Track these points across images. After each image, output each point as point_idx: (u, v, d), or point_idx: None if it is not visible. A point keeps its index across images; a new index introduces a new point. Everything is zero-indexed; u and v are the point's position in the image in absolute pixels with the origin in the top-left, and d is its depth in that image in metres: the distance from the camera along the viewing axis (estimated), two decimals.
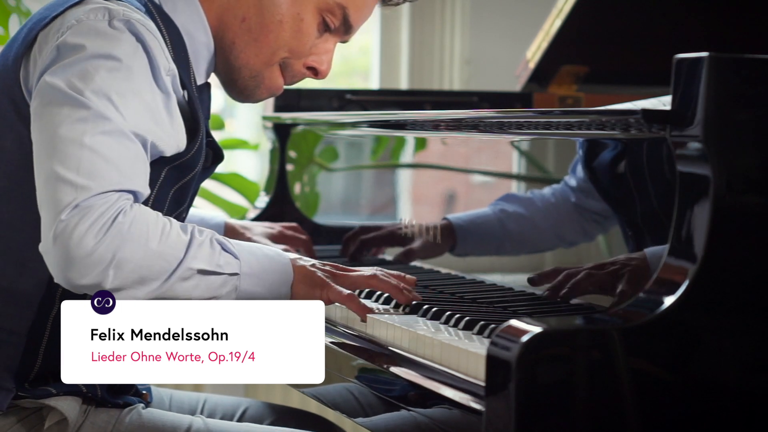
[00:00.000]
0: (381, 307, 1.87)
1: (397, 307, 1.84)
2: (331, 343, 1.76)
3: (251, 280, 1.69)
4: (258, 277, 1.70)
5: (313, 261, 1.80)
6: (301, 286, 1.75)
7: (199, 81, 1.80)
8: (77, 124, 1.60)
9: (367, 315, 1.77)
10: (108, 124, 1.61)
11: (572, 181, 1.77)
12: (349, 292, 1.78)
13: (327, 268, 1.80)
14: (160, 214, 1.65)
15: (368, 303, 1.88)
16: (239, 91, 1.84)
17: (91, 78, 1.62)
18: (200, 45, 1.78)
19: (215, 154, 1.86)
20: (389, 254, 2.26)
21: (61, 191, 1.58)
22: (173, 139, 1.72)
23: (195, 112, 1.75)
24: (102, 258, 1.56)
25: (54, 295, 1.73)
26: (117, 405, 1.80)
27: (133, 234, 1.59)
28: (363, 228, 2.32)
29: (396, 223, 2.22)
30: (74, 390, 1.75)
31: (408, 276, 1.84)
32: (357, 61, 4.19)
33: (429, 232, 2.08)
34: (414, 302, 1.80)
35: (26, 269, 1.72)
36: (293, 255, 1.79)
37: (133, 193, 1.62)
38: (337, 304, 1.83)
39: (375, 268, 1.83)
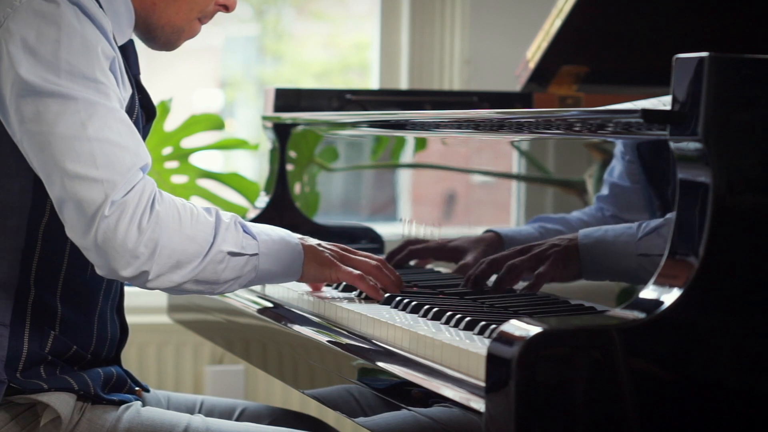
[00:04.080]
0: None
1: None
2: (331, 343, 1.76)
3: (268, 259, 1.77)
4: (274, 256, 1.78)
5: (318, 241, 1.87)
6: (312, 265, 1.83)
7: (123, 40, 1.83)
8: (72, 118, 1.62)
9: (368, 315, 1.77)
10: (99, 107, 1.64)
11: (604, 190, 1.75)
12: (359, 272, 1.84)
13: (332, 248, 1.87)
14: (182, 198, 1.71)
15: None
16: (162, 44, 1.89)
17: (57, 66, 1.64)
18: (118, 3, 1.80)
19: (147, 114, 1.88)
20: (434, 265, 2.21)
21: (88, 190, 1.61)
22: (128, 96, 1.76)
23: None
24: (146, 249, 1.62)
25: (29, 281, 1.75)
26: (112, 402, 1.80)
27: (169, 220, 1.65)
28: (409, 241, 2.26)
29: (445, 238, 2.16)
30: (66, 386, 1.75)
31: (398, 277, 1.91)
32: (357, 61, 4.19)
33: (477, 246, 2.05)
34: (415, 302, 1.80)
35: None
36: (299, 235, 1.85)
37: (146, 165, 1.67)
38: (342, 304, 1.83)
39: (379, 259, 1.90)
